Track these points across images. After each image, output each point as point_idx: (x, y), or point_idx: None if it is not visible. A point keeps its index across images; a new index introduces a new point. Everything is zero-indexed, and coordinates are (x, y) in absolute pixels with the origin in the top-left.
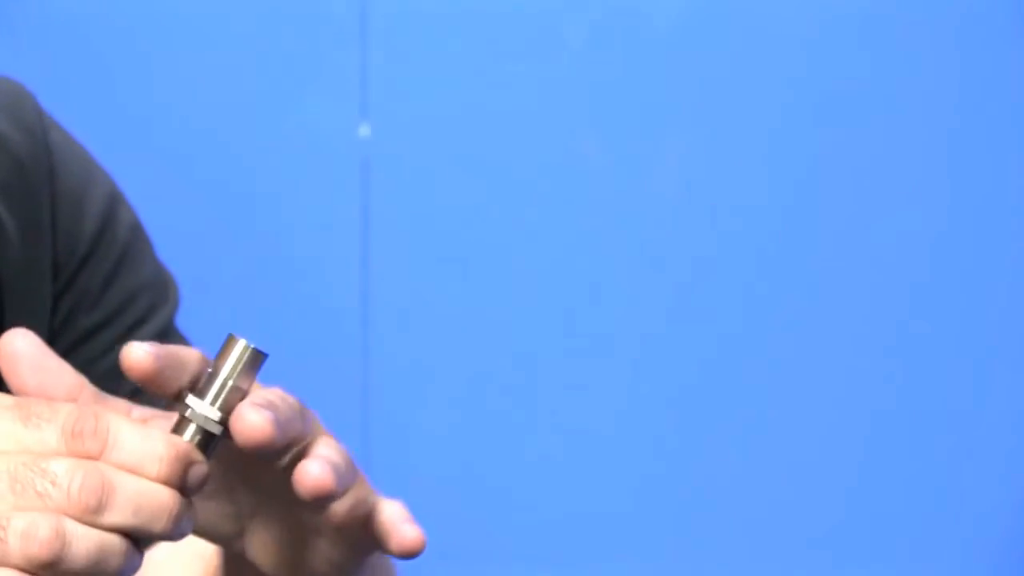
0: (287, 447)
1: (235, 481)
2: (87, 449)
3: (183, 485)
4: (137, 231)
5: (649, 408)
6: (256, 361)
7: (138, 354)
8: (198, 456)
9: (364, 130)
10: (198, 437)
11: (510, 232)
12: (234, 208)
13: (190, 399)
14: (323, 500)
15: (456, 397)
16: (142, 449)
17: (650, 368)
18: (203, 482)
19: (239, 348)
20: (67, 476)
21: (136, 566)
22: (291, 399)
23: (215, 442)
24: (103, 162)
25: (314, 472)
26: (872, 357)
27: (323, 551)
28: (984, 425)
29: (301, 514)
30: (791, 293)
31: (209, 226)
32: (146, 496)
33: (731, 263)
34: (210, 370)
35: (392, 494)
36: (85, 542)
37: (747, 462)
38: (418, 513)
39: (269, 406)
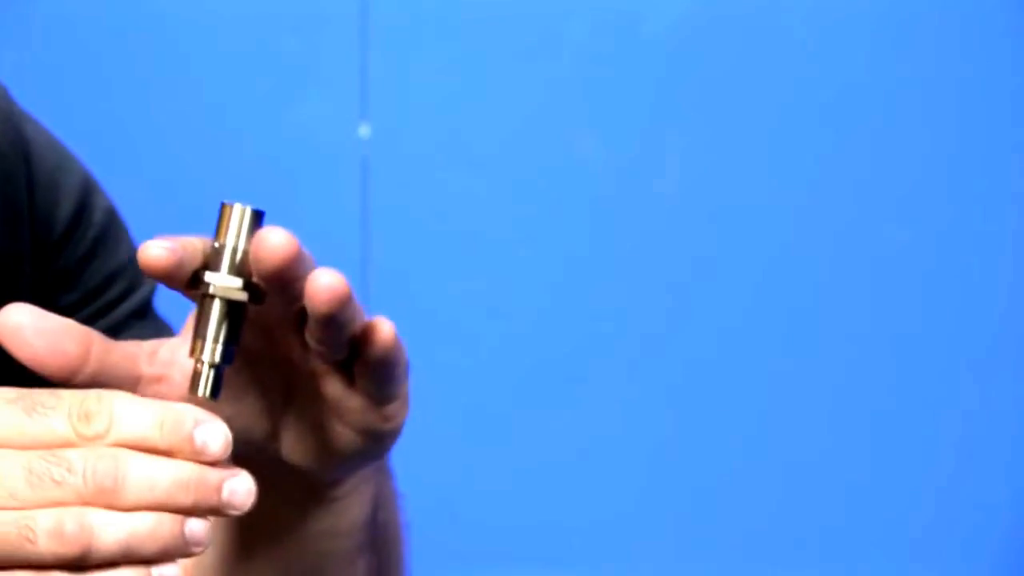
0: (305, 273)
1: (264, 372)
2: (95, 430)
3: (195, 451)
4: (113, 217)
5: (649, 408)
6: (257, 221)
7: (156, 252)
8: (202, 415)
9: (364, 130)
10: (228, 311)
11: (510, 232)
12: None
13: (208, 275)
14: (337, 307)
15: (456, 397)
16: (143, 418)
17: (650, 368)
18: (222, 447)
19: (238, 213)
20: (81, 461)
21: (190, 543)
22: None
23: (243, 311)
24: (103, 162)
25: (325, 278)
26: (872, 357)
27: (353, 426)
28: (985, 425)
29: (329, 388)
30: (791, 293)
31: (209, 226)
32: (158, 471)
33: (731, 263)
34: (216, 244)
35: None
36: (112, 530)
37: (748, 463)
38: (419, 513)
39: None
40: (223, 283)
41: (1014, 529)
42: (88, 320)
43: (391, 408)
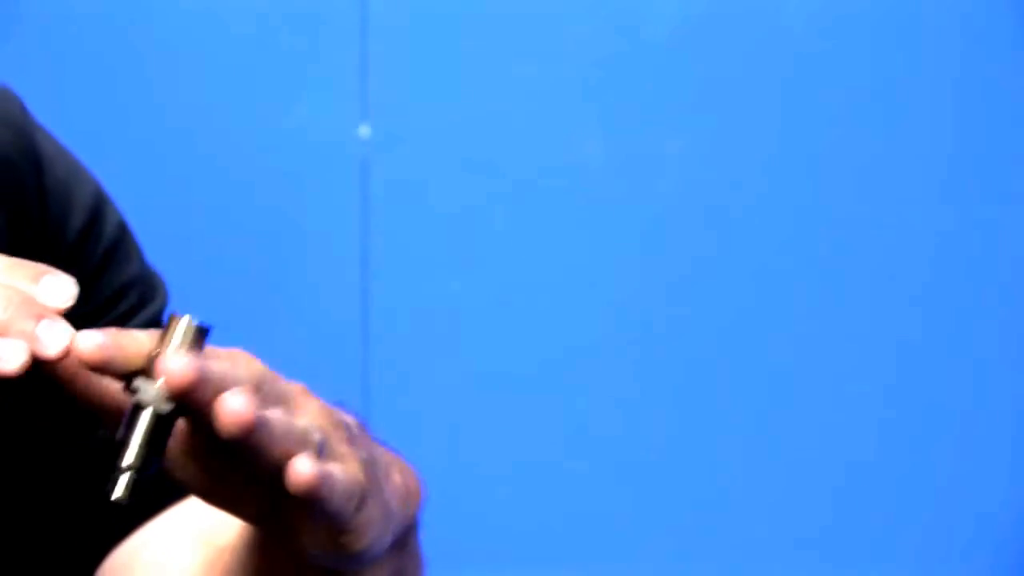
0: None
1: (244, 485)
2: None
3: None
4: (123, 230)
5: (649, 408)
6: (201, 337)
7: (86, 345)
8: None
9: (364, 130)
10: (154, 421)
11: (510, 232)
12: (234, 208)
13: (138, 382)
14: (242, 434)
15: (456, 397)
16: None
17: (649, 368)
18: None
19: (182, 326)
20: None
21: None
22: (254, 364)
23: (171, 422)
24: (103, 162)
25: (228, 404)
26: (871, 357)
27: (313, 545)
28: (984, 425)
29: (286, 506)
30: (790, 293)
31: (209, 226)
32: None
33: (731, 263)
34: (156, 352)
35: None
36: None
37: (748, 462)
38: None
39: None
40: (152, 394)
41: (1014, 529)
42: None
43: (346, 538)
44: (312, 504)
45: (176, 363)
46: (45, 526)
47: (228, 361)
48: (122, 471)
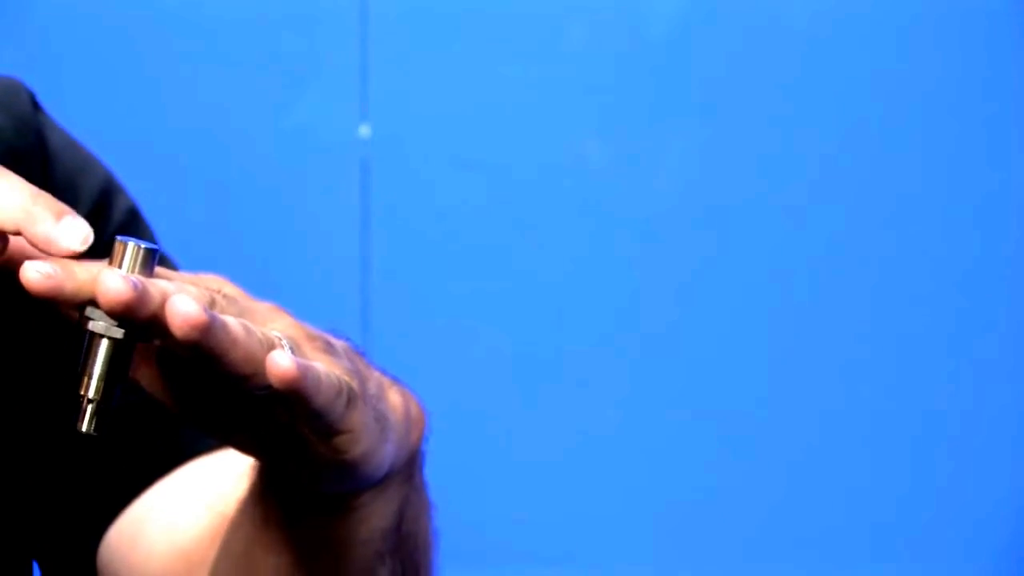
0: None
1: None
2: None
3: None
4: (134, 216)
5: (648, 408)
6: (148, 260)
7: (32, 275)
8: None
9: (364, 130)
10: (109, 348)
11: (510, 232)
12: (234, 208)
13: (90, 310)
14: (196, 336)
15: (456, 397)
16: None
17: (650, 368)
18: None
19: (129, 251)
20: None
21: None
22: (214, 288)
23: (128, 349)
24: (102, 161)
25: (178, 306)
26: (872, 357)
27: (307, 454)
28: (984, 425)
29: (280, 415)
30: (791, 293)
31: (209, 226)
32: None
33: (731, 263)
34: None
35: None
36: None
37: (748, 462)
38: None
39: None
40: (104, 320)
41: (1014, 529)
42: None
43: (340, 440)
44: (298, 401)
45: (111, 281)
46: (55, 485)
47: (175, 280)
48: (86, 403)
